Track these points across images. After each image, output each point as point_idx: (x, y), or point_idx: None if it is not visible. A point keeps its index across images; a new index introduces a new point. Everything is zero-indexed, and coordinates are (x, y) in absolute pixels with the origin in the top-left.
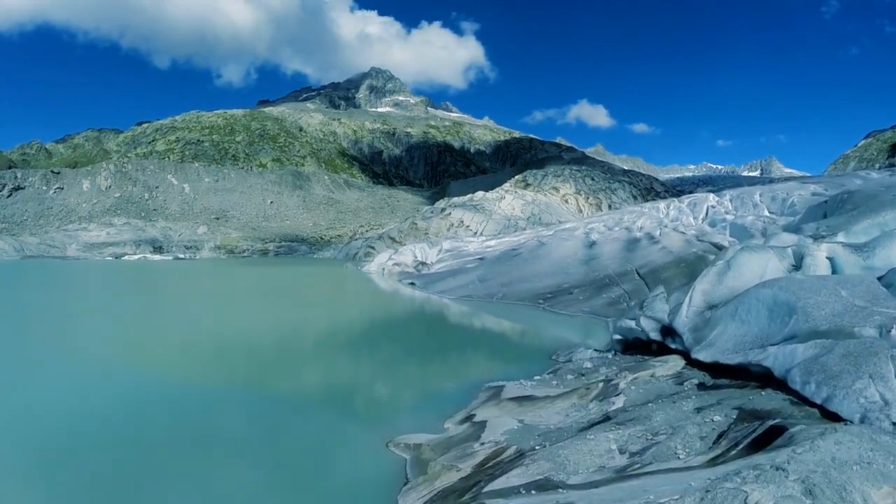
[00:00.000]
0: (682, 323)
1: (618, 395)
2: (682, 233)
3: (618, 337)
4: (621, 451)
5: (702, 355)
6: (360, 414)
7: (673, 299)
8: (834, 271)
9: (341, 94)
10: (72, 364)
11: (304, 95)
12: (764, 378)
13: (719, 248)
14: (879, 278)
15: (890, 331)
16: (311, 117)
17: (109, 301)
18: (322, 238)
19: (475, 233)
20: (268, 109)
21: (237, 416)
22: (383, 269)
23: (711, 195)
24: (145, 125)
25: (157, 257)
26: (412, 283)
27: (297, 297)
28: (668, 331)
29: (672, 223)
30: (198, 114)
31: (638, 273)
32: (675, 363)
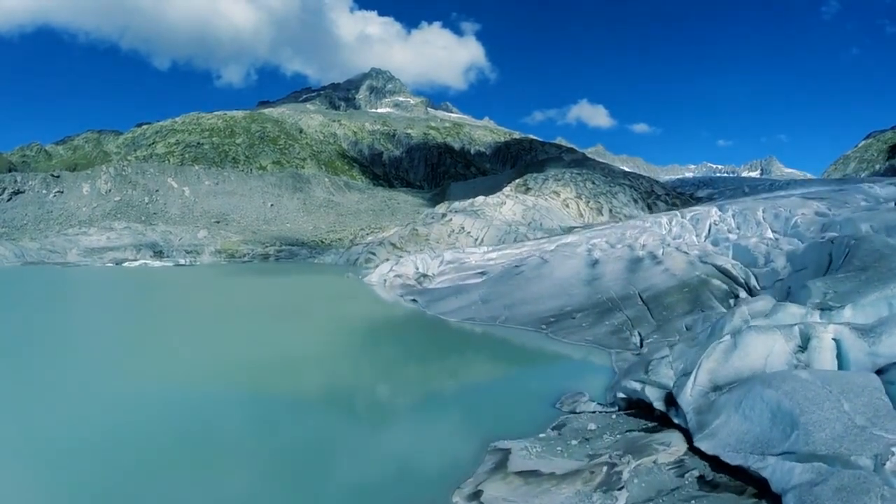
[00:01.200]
0: (686, 402)
1: (620, 488)
2: (685, 253)
3: (622, 395)
4: None
5: (704, 445)
6: (357, 480)
7: (678, 358)
8: (839, 354)
9: (341, 95)
10: (68, 384)
11: (304, 96)
12: (761, 484)
13: (722, 271)
14: (882, 370)
15: (884, 463)
16: (312, 118)
17: (107, 322)
18: (322, 241)
19: (476, 239)
20: (268, 111)
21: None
22: (385, 280)
23: (714, 210)
24: (145, 126)
25: (158, 263)
26: (414, 300)
27: (295, 317)
28: (671, 399)
29: (675, 240)
30: (197, 115)
31: (641, 297)
32: (677, 447)
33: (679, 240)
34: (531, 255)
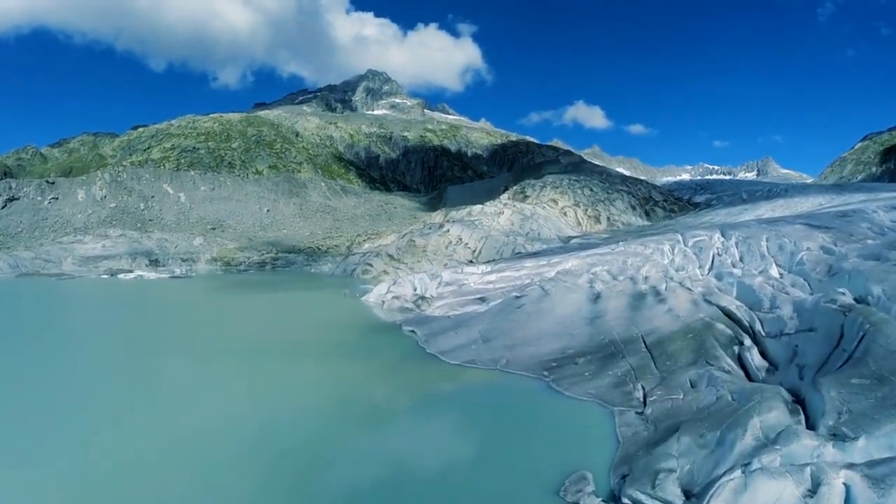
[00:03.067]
0: None
1: None
2: (689, 289)
3: (627, 503)
4: None
5: None
6: None
7: (685, 474)
8: (848, 499)
9: (338, 97)
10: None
11: (301, 98)
12: None
13: (726, 313)
14: None
15: None
16: (308, 121)
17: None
18: (319, 248)
19: (473, 251)
20: (264, 114)
21: None
22: (382, 301)
23: (717, 237)
24: (141, 129)
25: (153, 275)
26: (413, 331)
27: (281, 359)
28: None
29: (678, 272)
30: (193, 118)
31: (644, 342)
32: None
33: (682, 272)
34: (531, 284)
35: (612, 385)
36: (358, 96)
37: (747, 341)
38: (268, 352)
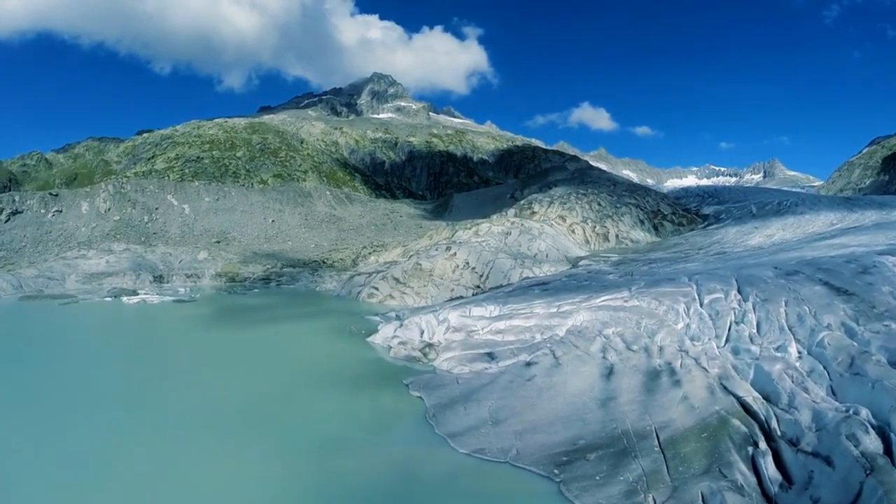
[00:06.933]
0: None
1: None
2: (705, 370)
3: None
4: None
5: None
6: None
7: None
8: None
9: (343, 100)
10: None
11: (306, 101)
12: None
13: (743, 404)
14: None
15: None
16: (313, 126)
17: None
18: (325, 261)
19: (481, 276)
20: (268, 119)
21: None
22: (389, 346)
23: (734, 295)
24: (146, 135)
25: (156, 298)
26: (420, 397)
27: (268, 433)
28: None
29: (693, 343)
30: (198, 124)
31: (658, 439)
32: None
33: (698, 343)
34: (542, 345)
35: (622, 495)
36: (363, 99)
37: (762, 444)
38: (248, 418)
